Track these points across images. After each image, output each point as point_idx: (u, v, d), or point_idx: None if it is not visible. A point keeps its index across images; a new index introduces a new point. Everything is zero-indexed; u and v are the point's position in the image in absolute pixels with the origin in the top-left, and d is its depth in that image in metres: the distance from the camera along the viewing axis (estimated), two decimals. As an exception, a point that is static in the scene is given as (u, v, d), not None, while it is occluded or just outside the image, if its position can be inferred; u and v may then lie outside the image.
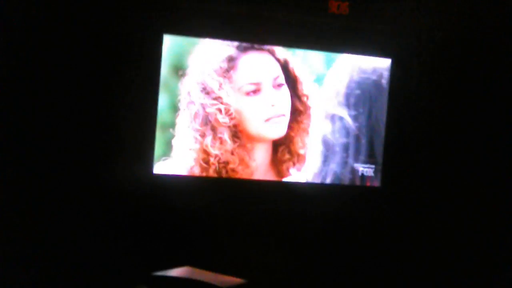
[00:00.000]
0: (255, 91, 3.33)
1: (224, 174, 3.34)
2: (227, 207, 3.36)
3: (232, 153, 3.31)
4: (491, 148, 3.68)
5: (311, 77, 3.48)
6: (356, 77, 3.55)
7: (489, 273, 3.64)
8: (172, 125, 3.27)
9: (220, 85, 3.28)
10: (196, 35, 3.65)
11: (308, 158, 3.49)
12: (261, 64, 3.38)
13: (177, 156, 3.30)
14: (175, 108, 3.28)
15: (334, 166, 3.55)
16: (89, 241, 3.15)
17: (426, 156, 3.65)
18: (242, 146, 3.32)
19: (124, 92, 3.22)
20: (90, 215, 3.16)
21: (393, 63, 3.64)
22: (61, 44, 3.10)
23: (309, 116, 3.46)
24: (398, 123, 3.63)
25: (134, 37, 3.20)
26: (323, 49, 3.83)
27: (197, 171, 3.32)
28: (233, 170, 3.33)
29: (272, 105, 3.33)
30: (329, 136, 3.53)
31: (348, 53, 3.70)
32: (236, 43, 3.36)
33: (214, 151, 3.29)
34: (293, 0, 3.43)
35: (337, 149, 3.55)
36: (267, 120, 3.34)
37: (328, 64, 3.54)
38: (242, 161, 3.33)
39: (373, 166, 3.61)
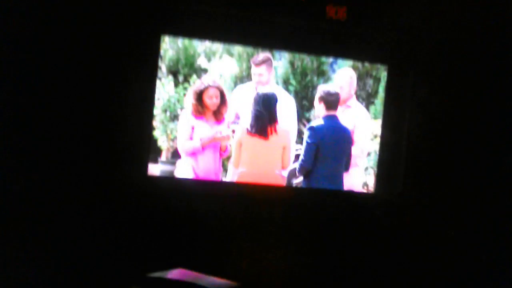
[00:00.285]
0: None
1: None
2: (221, 209, 3.36)
3: None
4: (488, 151, 3.70)
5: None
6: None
7: (488, 275, 3.66)
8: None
9: None
10: (193, 37, 3.68)
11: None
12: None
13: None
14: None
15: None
16: (83, 242, 3.13)
17: (422, 161, 3.65)
18: None
19: (121, 92, 3.21)
20: (84, 216, 3.14)
21: (389, 69, 3.65)
22: (59, 44, 3.09)
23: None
24: (394, 129, 3.64)
25: (132, 37, 3.19)
26: (320, 54, 3.86)
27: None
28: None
29: None
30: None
31: (345, 58, 3.72)
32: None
33: None
34: (291, 5, 3.43)
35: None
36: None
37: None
38: None
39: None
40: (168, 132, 3.74)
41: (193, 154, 3.48)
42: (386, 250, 3.62)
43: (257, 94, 3.54)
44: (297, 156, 3.66)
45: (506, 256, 3.70)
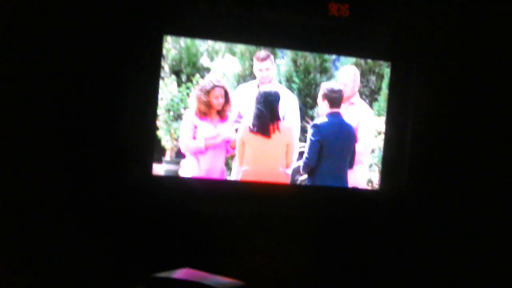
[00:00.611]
0: None
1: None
2: (226, 209, 3.36)
3: None
4: (492, 147, 3.69)
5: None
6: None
7: (490, 274, 3.65)
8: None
9: None
10: (196, 36, 3.68)
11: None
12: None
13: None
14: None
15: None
16: (88, 242, 3.14)
17: (425, 158, 3.65)
18: None
19: (124, 92, 3.21)
20: (89, 216, 3.15)
21: (392, 65, 3.65)
22: (61, 45, 3.10)
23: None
24: (397, 125, 3.64)
25: (134, 38, 3.20)
26: (323, 51, 3.85)
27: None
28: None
29: None
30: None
31: (347, 55, 3.71)
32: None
33: None
34: (293, 2, 3.43)
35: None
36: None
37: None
38: None
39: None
40: (172, 131, 3.74)
41: (196, 153, 3.49)
42: (391, 246, 3.62)
43: (259, 92, 3.54)
44: (301, 154, 3.66)
45: (509, 250, 3.70)
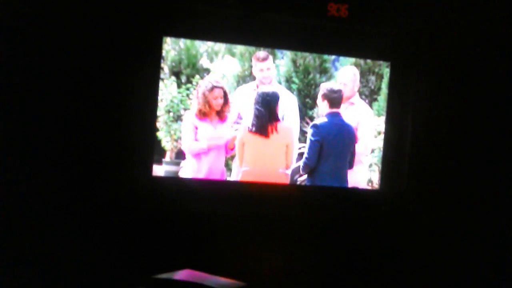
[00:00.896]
0: None
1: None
2: (226, 209, 3.36)
3: None
4: (492, 147, 3.69)
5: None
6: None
7: (490, 275, 3.66)
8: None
9: None
10: (195, 37, 3.68)
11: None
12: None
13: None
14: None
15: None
16: (88, 243, 3.14)
17: (424, 159, 3.65)
18: None
19: (124, 94, 3.21)
20: (89, 217, 3.16)
21: (392, 65, 3.65)
22: (61, 46, 3.10)
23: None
24: (397, 125, 3.64)
25: (134, 39, 3.20)
26: (322, 51, 3.85)
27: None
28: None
29: None
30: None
31: (347, 55, 3.71)
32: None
33: None
34: (293, 3, 3.43)
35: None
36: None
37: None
38: None
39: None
40: (172, 132, 3.75)
41: (198, 154, 3.50)
42: (391, 246, 3.62)
43: (258, 93, 3.55)
44: (300, 154, 3.66)
45: (509, 251, 3.71)
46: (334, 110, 3.58)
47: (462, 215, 3.68)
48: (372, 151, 3.85)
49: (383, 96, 3.85)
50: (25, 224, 3.05)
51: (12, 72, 3.04)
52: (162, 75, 3.55)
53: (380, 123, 3.78)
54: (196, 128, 3.50)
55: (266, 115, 3.51)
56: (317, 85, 3.88)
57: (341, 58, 3.97)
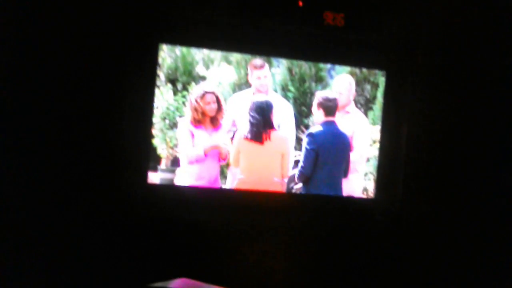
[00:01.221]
0: None
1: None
2: (221, 217, 3.36)
3: None
4: (488, 156, 3.71)
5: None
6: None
7: (485, 284, 3.66)
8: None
9: None
10: (191, 45, 3.68)
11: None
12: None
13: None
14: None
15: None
16: (83, 251, 3.12)
17: (420, 167, 3.66)
18: None
19: (120, 101, 3.21)
20: (84, 224, 3.14)
21: (387, 74, 3.66)
22: (57, 52, 3.09)
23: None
24: (392, 134, 3.65)
25: (130, 47, 3.20)
26: (318, 60, 3.86)
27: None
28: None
29: None
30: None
31: (342, 64, 3.73)
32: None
33: None
34: (289, 11, 3.44)
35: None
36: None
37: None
38: None
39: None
40: (168, 140, 3.74)
41: (196, 161, 3.49)
42: (386, 255, 3.62)
43: (252, 102, 3.56)
44: (296, 162, 3.66)
45: (506, 261, 3.71)
46: (329, 118, 3.59)
47: (457, 225, 3.69)
48: (368, 159, 3.86)
49: (379, 105, 3.86)
50: (17, 232, 3.03)
51: (5, 80, 3.02)
52: (158, 83, 3.54)
53: (375, 131, 3.79)
54: (193, 135, 3.50)
55: (261, 122, 3.51)
56: (312, 94, 3.89)
57: (337, 67, 3.98)
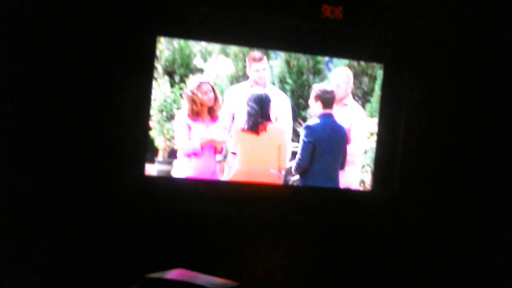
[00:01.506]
0: None
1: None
2: (219, 209, 3.36)
3: None
4: (485, 149, 3.71)
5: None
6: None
7: (484, 275, 3.68)
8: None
9: None
10: (189, 38, 3.68)
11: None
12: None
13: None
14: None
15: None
16: (81, 243, 3.13)
17: (417, 160, 3.67)
18: None
19: (117, 93, 3.20)
20: (81, 217, 3.15)
21: (385, 67, 3.66)
22: (55, 46, 3.08)
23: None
24: (390, 127, 3.65)
25: (128, 39, 3.19)
26: (316, 53, 3.86)
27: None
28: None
29: None
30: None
31: (340, 57, 3.72)
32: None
33: None
34: (287, 4, 3.43)
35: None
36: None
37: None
38: None
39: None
40: (165, 132, 3.75)
41: (191, 154, 3.50)
42: (383, 247, 3.63)
43: (251, 94, 3.56)
44: (293, 154, 3.67)
45: (502, 253, 3.72)
46: (327, 111, 3.59)
47: (454, 217, 3.70)
48: (365, 152, 3.87)
49: (376, 97, 3.87)
50: (15, 225, 3.04)
51: (6, 77, 3.02)
52: (155, 75, 3.55)
53: (373, 124, 3.79)
54: (190, 127, 3.50)
55: (258, 113, 3.52)
56: (310, 86, 3.90)
57: (335, 60, 3.99)
